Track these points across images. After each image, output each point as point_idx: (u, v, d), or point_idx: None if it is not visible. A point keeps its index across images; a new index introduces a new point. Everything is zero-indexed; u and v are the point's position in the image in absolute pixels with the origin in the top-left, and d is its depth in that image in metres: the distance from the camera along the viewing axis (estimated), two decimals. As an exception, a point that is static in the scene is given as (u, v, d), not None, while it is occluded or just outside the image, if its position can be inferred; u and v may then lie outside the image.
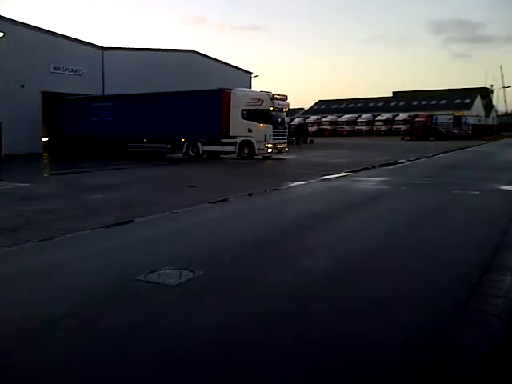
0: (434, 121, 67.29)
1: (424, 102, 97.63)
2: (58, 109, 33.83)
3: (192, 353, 4.09)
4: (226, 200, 12.50)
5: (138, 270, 6.23)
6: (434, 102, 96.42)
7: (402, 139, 62.60)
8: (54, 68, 34.21)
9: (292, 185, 15.80)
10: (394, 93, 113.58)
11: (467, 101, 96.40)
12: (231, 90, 27.78)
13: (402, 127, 75.51)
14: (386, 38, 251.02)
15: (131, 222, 9.68)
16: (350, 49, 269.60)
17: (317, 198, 13.70)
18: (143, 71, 39.34)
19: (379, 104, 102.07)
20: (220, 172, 21.83)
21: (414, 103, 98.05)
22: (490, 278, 5.98)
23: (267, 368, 3.85)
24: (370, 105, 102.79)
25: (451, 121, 68.62)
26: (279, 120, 27.91)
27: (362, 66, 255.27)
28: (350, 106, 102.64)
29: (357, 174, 19.44)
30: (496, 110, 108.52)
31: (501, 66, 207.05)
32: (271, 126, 26.80)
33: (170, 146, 29.00)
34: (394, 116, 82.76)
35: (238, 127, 26.96)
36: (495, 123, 79.34)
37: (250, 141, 26.88)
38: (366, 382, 3.67)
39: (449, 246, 7.78)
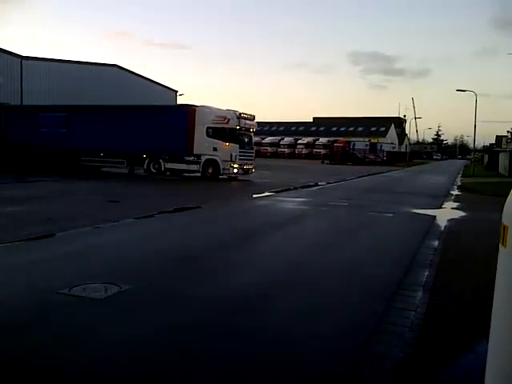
0: (351, 146, 70.15)
1: (342, 128, 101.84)
2: (2, 117, 31.71)
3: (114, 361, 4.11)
4: (151, 216, 12.41)
5: (62, 283, 6.10)
6: (351, 129, 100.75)
7: (322, 162, 64.84)
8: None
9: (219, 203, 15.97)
10: (314, 118, 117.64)
11: (382, 129, 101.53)
12: (196, 106, 26.86)
13: (322, 151, 78.22)
14: (308, 65, 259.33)
15: (52, 235, 9.40)
16: (273, 73, 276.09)
17: (241, 216, 13.95)
18: (65, 83, 38.30)
19: (300, 128, 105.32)
20: (158, 188, 21.61)
21: (333, 129, 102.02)
22: (403, 294, 6.39)
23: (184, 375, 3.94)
24: (292, 128, 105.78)
25: (367, 147, 71.92)
26: (246, 140, 27.18)
27: (284, 90, 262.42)
28: (273, 128, 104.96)
29: (280, 194, 19.96)
30: (408, 139, 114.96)
31: (412, 98, 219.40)
32: (237, 145, 25.97)
33: (125, 161, 27.68)
34: (315, 140, 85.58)
35: (203, 145, 25.97)
36: (408, 151, 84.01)
37: (215, 160, 25.91)
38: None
39: (366, 263, 8.21)
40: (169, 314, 5.36)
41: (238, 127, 25.96)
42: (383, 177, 37.95)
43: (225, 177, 26.50)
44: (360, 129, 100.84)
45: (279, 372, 4.10)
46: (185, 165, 26.74)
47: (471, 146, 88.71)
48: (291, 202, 17.21)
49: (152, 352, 4.31)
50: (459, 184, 29.95)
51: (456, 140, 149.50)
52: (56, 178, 23.62)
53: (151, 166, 27.35)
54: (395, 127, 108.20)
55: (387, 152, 74.95)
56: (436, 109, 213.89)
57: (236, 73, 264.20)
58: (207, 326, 5.06)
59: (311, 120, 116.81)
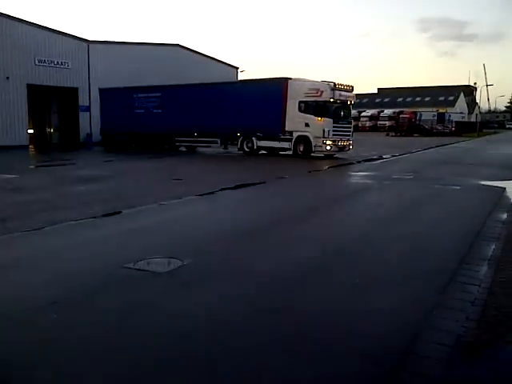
0: (418, 117, 67.96)
1: (408, 99, 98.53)
2: (100, 99, 32.93)
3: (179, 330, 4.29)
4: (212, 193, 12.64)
5: (127, 258, 6.38)
6: (418, 99, 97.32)
7: (387, 135, 63.08)
8: (39, 61, 33.92)
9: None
10: (378, 89, 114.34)
11: (451, 98, 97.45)
12: (289, 79, 24.60)
13: (387, 123, 76.16)
14: (372, 35, 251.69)
15: (119, 213, 9.79)
16: (338, 44, 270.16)
17: (302, 191, 13.99)
18: (130, 65, 39.11)
19: (364, 100, 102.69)
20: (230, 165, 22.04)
21: (399, 100, 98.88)
22: (467, 268, 6.22)
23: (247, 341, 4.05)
24: (356, 101, 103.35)
25: (435, 117, 69.44)
26: (342, 114, 24.46)
27: (349, 62, 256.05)
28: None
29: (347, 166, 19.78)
30: (479, 108, 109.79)
31: (484, 65, 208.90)
32: (331, 120, 23.50)
33: (219, 140, 27.33)
34: (379, 112, 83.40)
35: (295, 121, 24.05)
36: (478, 120, 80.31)
37: (306, 136, 23.86)
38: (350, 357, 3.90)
39: (430, 236, 8.04)
40: (229, 286, 5.50)
41: (331, 100, 23.44)
42: (451, 148, 36.63)
43: (321, 155, 24.31)
44: (427, 99, 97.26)
45: (337, 344, 4.14)
46: (277, 142, 25.10)
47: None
48: (355, 177, 16.99)
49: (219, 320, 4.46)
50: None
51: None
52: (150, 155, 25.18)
53: (244, 144, 26.26)
54: (465, 96, 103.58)
55: (456, 122, 71.94)
56: (510, 75, 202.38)
57: (298, 46, 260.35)
58: (268, 299, 5.16)
59: (376, 91, 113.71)
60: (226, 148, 27.98)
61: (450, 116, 73.44)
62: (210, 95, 27.31)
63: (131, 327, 4.41)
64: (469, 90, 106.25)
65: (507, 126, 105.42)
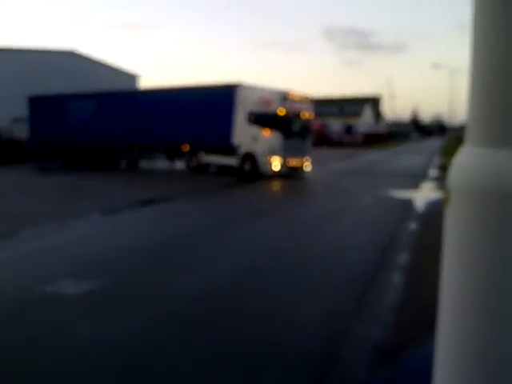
0: (327, 128, 70.69)
1: (316, 110, 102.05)
2: (29, 108, 31.18)
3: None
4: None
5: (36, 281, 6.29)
6: (325, 110, 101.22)
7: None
8: None
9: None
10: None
11: (358, 109, 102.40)
12: (238, 85, 22.28)
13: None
14: (279, 43, 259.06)
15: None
16: (243, 52, 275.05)
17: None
18: (21, 73, 37.59)
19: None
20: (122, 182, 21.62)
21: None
22: (379, 275, 6.79)
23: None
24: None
25: (343, 129, 72.57)
26: (294, 128, 22.09)
27: (255, 70, 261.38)
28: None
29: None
30: (384, 119, 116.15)
31: (389, 76, 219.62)
32: (280, 134, 21.26)
33: (165, 154, 25.83)
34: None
35: (243, 134, 21.87)
36: (383, 132, 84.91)
37: (253, 153, 21.69)
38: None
39: (343, 247, 8.62)
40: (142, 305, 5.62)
41: (281, 112, 21.17)
42: (361, 159, 38.59)
43: (270, 175, 21.64)
44: (335, 109, 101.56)
45: (268, 355, 4.43)
46: (224, 158, 22.97)
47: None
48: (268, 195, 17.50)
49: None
50: (437, 164, 30.68)
51: (433, 119, 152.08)
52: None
53: (192, 159, 24.21)
54: (372, 106, 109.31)
55: (364, 134, 75.76)
56: (414, 86, 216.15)
57: (202, 52, 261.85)
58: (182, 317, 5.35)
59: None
60: (172, 164, 26.12)
61: (357, 127, 77.15)
62: (151, 103, 25.74)
63: (42, 353, 4.43)
64: (375, 101, 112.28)
65: (412, 137, 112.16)
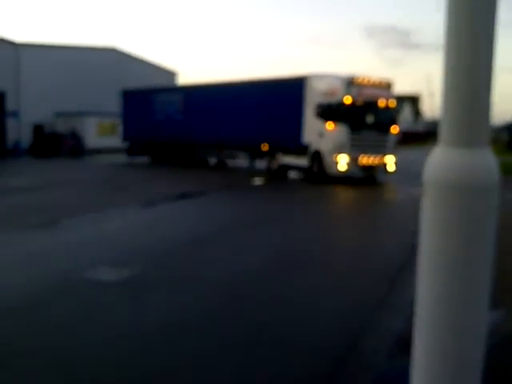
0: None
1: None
2: (121, 103, 30.55)
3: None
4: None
5: (75, 266, 6.69)
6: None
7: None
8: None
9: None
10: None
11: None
12: (308, 76, 19.80)
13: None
14: (321, 40, 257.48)
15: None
16: (286, 48, 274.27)
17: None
18: (63, 69, 38.70)
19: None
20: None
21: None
22: (406, 274, 6.89)
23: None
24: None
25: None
26: (368, 120, 18.75)
27: (298, 66, 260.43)
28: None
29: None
30: (423, 117, 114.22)
31: (428, 74, 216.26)
32: (345, 128, 18.25)
33: (248, 153, 23.70)
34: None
35: (312, 130, 19.27)
36: (423, 130, 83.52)
37: (319, 151, 18.97)
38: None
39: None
40: (176, 293, 5.93)
41: (346, 101, 18.12)
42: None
43: (340, 176, 18.73)
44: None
45: (296, 340, 4.65)
46: (296, 158, 20.49)
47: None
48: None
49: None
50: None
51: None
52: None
53: (272, 161, 21.88)
54: (411, 104, 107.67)
55: (403, 132, 74.66)
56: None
57: (245, 49, 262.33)
58: (217, 305, 5.62)
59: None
60: (253, 164, 24.18)
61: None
62: (231, 97, 23.48)
63: (85, 333, 4.77)
64: (414, 99, 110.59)
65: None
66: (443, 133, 1.76)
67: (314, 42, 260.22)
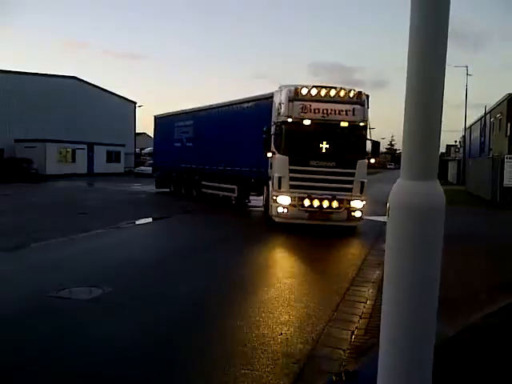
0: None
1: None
2: (154, 128, 27.69)
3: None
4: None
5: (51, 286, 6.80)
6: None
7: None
8: None
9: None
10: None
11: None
12: (276, 91, 14.55)
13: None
14: (270, 76, 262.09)
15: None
16: (235, 82, 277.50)
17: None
18: (21, 95, 38.12)
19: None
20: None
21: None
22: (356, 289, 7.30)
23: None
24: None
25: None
26: (320, 146, 13.18)
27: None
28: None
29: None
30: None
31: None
32: (285, 157, 13.10)
33: (236, 187, 18.28)
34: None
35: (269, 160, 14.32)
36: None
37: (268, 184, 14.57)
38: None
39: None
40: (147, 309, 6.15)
41: (291, 119, 13.02)
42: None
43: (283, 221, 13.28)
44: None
45: (263, 345, 4.94)
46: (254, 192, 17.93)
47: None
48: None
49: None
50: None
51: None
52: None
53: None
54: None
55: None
56: (390, 119, 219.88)
57: (196, 83, 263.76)
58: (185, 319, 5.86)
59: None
60: (243, 200, 19.31)
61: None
62: (222, 121, 19.72)
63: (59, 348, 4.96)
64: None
65: (388, 167, 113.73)
66: (403, 168, 2.19)
67: (261, 77, 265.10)
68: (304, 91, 12.97)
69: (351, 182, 13.05)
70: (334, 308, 6.33)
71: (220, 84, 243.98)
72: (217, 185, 19.54)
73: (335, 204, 12.95)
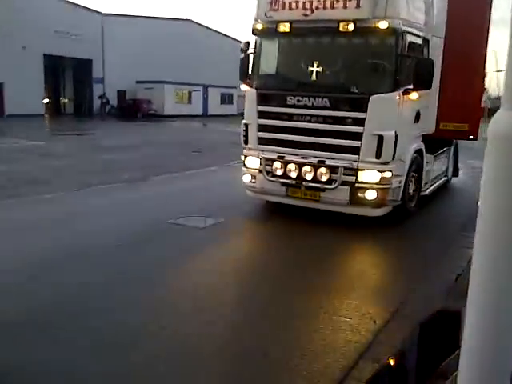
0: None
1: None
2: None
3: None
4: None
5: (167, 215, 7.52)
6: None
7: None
8: (56, 31, 34.56)
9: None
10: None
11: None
12: None
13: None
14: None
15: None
16: None
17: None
18: (141, 38, 39.73)
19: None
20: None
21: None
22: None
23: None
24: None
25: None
26: (301, 67, 7.59)
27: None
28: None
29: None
30: (488, 94, 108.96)
31: (495, 52, 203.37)
32: (254, 91, 7.94)
33: None
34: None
35: None
36: (488, 107, 79.88)
37: None
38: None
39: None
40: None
41: (257, 24, 7.68)
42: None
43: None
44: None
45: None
46: None
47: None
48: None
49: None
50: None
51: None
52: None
53: None
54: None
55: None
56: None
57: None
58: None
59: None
60: None
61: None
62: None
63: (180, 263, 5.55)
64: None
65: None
66: (504, 97, 2.16)
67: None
68: None
69: (359, 136, 7.01)
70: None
71: None
72: None
73: (324, 174, 7.22)
